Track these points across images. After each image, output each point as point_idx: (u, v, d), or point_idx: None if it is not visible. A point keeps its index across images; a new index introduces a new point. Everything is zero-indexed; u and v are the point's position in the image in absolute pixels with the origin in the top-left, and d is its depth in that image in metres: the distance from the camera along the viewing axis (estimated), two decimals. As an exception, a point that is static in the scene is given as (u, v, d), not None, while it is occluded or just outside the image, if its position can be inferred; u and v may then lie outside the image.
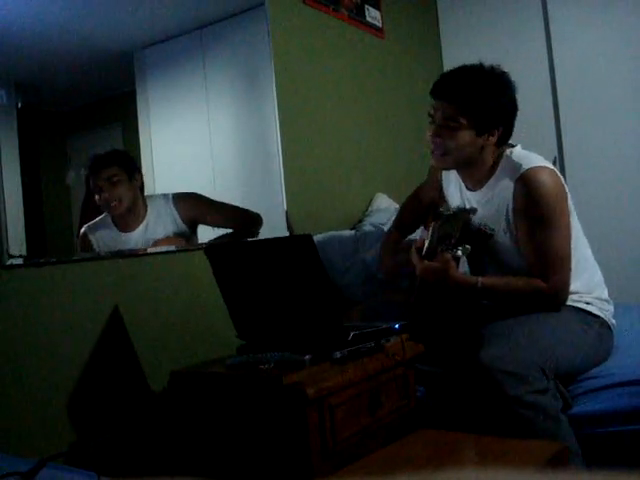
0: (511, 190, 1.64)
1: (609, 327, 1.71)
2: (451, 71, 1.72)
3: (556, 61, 3.07)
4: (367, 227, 2.41)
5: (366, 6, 2.81)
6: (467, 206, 1.78)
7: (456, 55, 3.27)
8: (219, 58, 2.20)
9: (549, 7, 3.09)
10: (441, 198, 1.93)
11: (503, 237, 1.69)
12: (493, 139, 1.66)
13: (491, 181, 1.72)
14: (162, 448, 1.63)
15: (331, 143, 2.51)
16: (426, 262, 1.63)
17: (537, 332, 1.55)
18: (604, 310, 1.70)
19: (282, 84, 2.25)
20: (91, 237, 1.73)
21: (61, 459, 1.31)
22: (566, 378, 1.57)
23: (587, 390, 1.55)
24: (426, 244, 1.65)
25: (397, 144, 2.93)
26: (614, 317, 1.74)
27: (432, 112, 1.69)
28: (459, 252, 1.59)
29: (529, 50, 3.13)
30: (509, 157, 1.69)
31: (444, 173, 1.89)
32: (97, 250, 1.73)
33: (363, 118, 2.74)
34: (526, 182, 1.61)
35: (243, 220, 2.10)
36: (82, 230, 1.72)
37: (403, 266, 1.94)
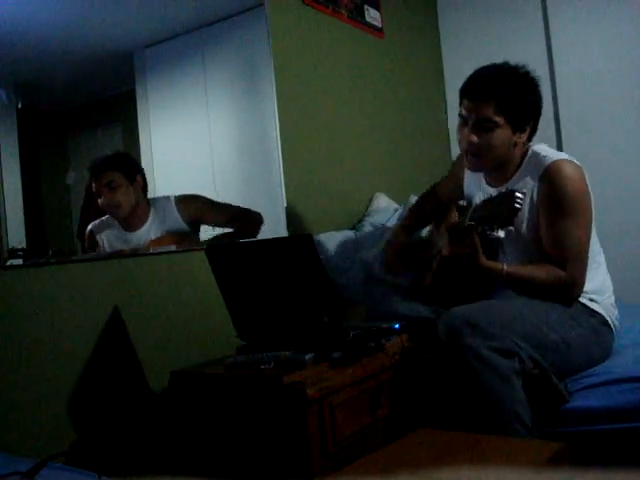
0: (535, 183, 1.65)
1: (607, 324, 1.69)
2: (481, 71, 1.69)
3: (556, 61, 3.07)
4: (367, 227, 2.41)
5: (366, 6, 2.80)
6: None
7: (456, 55, 3.28)
8: (219, 58, 2.20)
9: (549, 7, 3.09)
10: (461, 193, 1.92)
11: (526, 231, 1.68)
12: (524, 136, 1.68)
13: (515, 177, 1.72)
14: (162, 448, 1.63)
15: (331, 143, 2.51)
16: (456, 246, 1.58)
17: (523, 314, 1.54)
18: (610, 313, 1.69)
19: (282, 84, 2.25)
20: (97, 236, 1.76)
21: (61, 459, 1.31)
22: (560, 373, 1.56)
23: (586, 386, 1.55)
24: (461, 224, 1.58)
25: (397, 144, 2.93)
26: (617, 319, 1.73)
27: (464, 113, 1.67)
28: (501, 233, 1.56)
29: (529, 50, 3.12)
30: (535, 152, 1.70)
31: (467, 170, 1.86)
32: (103, 249, 1.74)
33: (363, 118, 2.74)
34: (551, 173, 1.62)
35: (244, 219, 2.11)
36: (88, 228, 1.74)
37: (405, 266, 1.93)
